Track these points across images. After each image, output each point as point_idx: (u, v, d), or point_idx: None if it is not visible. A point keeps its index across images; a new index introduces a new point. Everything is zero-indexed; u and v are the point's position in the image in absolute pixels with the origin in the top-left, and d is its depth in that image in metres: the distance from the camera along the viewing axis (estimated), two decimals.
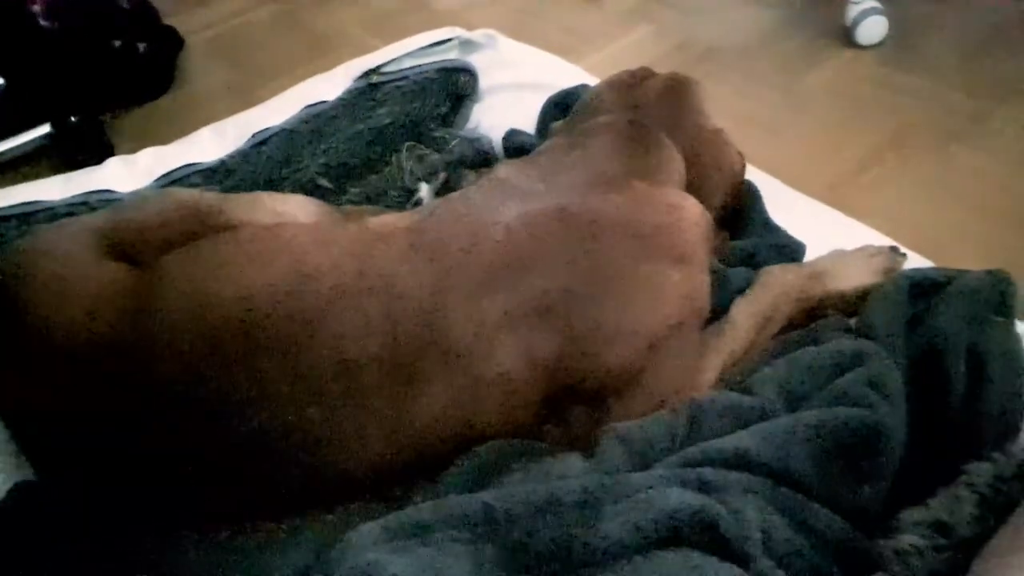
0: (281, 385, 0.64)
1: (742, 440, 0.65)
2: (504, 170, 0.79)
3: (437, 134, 1.21)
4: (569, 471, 0.63)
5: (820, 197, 1.23)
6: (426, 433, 0.66)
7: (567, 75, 1.24)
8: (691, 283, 0.74)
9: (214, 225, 0.74)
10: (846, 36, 1.64)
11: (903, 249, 0.94)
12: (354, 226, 0.72)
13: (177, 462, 0.65)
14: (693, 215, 0.76)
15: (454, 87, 1.26)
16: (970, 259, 1.13)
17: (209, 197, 0.81)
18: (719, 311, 0.83)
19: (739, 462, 0.64)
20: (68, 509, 0.66)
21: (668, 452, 0.67)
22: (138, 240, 0.72)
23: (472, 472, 0.65)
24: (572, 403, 0.71)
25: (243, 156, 1.17)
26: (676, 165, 0.84)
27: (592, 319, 0.68)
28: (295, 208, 0.83)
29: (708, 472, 0.63)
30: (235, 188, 1.12)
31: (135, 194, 1.07)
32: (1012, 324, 0.78)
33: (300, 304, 0.64)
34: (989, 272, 0.83)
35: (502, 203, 0.71)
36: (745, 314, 0.81)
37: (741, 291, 0.84)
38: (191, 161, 1.17)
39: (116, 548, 0.63)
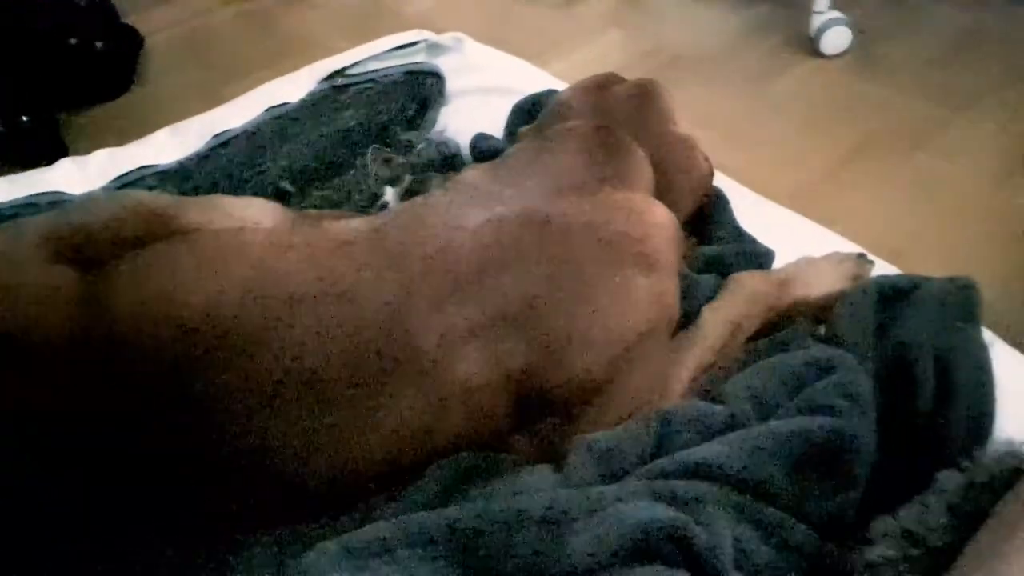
0: (236, 395, 0.61)
1: (713, 451, 0.64)
2: (471, 175, 0.77)
3: (403, 137, 1.19)
4: (537, 485, 0.62)
5: (786, 203, 1.24)
6: (389, 446, 0.64)
7: (535, 80, 1.23)
8: (660, 290, 0.72)
9: (168, 229, 0.72)
10: (811, 45, 1.65)
11: (870, 256, 0.94)
12: (314, 231, 0.70)
13: (128, 474, 0.62)
14: (662, 221, 0.75)
15: (421, 90, 1.24)
16: (935, 264, 1.14)
17: (163, 200, 0.78)
18: (688, 318, 0.82)
19: (710, 473, 0.63)
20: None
21: (639, 463, 0.66)
22: (87, 244, 0.69)
23: (437, 487, 0.63)
24: (541, 413, 0.69)
25: (202, 158, 1.14)
26: (644, 171, 0.83)
27: (560, 327, 0.66)
28: (254, 212, 0.80)
29: (679, 484, 0.61)
30: (193, 191, 1.09)
31: (86, 196, 1.04)
32: (978, 331, 0.78)
33: (255, 312, 0.62)
34: (953, 279, 0.84)
35: (468, 208, 0.69)
36: (714, 321, 0.80)
37: (710, 298, 0.84)
38: (147, 163, 1.14)
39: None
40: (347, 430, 0.62)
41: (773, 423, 0.66)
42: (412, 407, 0.64)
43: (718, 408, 0.69)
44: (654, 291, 0.71)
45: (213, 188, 1.10)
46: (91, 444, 0.61)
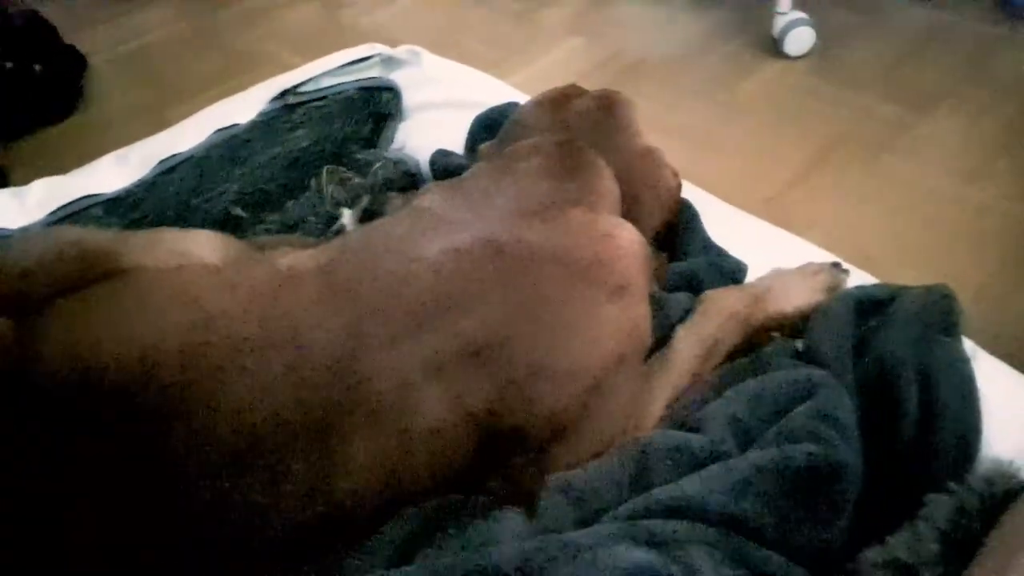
0: (177, 450, 0.57)
1: (692, 486, 0.61)
2: (427, 199, 0.73)
3: (359, 156, 1.14)
4: (508, 532, 0.58)
5: (756, 211, 1.21)
6: (348, 496, 0.59)
7: (495, 92, 1.19)
8: (630, 315, 0.69)
9: (107, 269, 0.67)
10: (774, 47, 1.63)
11: (845, 264, 0.92)
12: (260, 267, 0.66)
13: (61, 541, 0.57)
14: (629, 242, 0.71)
15: (376, 106, 1.20)
16: (909, 269, 1.13)
17: (101, 237, 0.73)
18: (661, 339, 0.79)
19: (690, 511, 0.59)
20: None
21: (615, 501, 0.62)
22: (17, 287, 0.64)
23: (401, 539, 0.58)
24: (511, 451, 0.65)
25: (149, 185, 1.08)
26: (610, 188, 0.80)
27: (527, 361, 0.62)
28: (199, 246, 0.75)
29: (658, 524, 0.58)
30: (140, 220, 1.04)
31: (22, 232, 0.98)
32: (959, 343, 0.76)
33: (195, 362, 0.57)
34: (931, 289, 0.81)
35: (424, 236, 0.65)
36: (688, 343, 0.76)
37: (683, 318, 0.80)
38: (91, 192, 1.08)
39: None
40: (302, 484, 0.58)
41: (753, 454, 0.63)
42: (371, 453, 0.60)
43: (696, 438, 0.65)
44: (624, 317, 0.68)
45: (160, 216, 1.05)
46: (13, 508, 0.56)
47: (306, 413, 0.58)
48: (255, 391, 0.58)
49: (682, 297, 0.83)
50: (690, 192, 1.03)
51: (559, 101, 0.92)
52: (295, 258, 0.67)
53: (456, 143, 1.14)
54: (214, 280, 0.64)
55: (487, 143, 0.95)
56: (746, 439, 0.67)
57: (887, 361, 0.72)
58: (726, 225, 1.00)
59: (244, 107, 1.19)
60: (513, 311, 0.62)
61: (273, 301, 0.61)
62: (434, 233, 0.65)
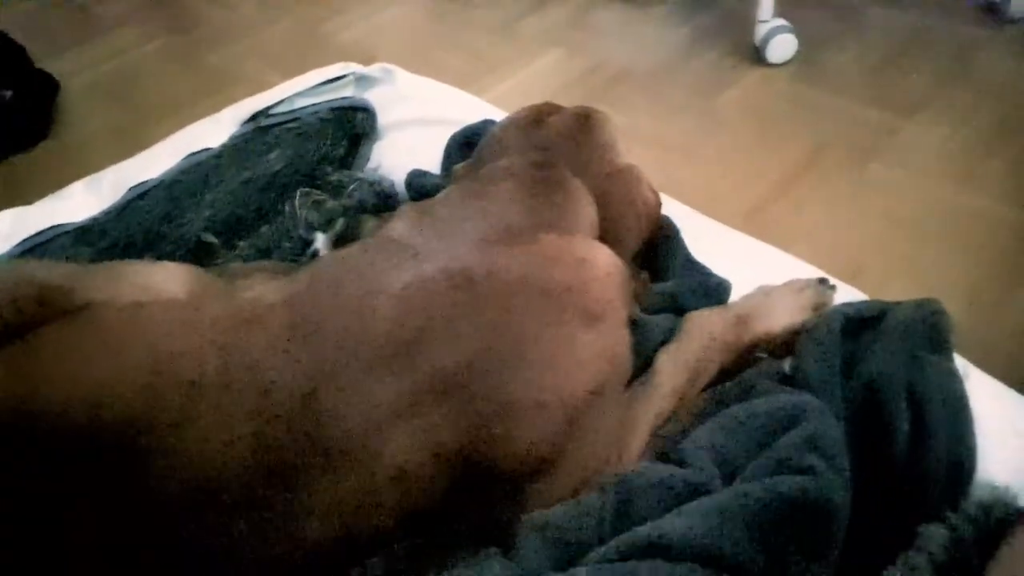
0: (132, 495, 0.54)
1: (676, 523, 0.58)
2: (395, 226, 0.70)
3: (334, 178, 1.12)
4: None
5: (741, 222, 1.19)
6: (315, 544, 0.57)
7: (471, 109, 1.16)
8: (608, 343, 0.66)
9: (64, 306, 0.64)
10: (756, 54, 1.61)
11: (832, 280, 0.89)
12: (223, 304, 0.63)
13: None
14: (605, 267, 0.69)
15: (350, 126, 1.17)
16: (899, 279, 1.11)
17: (60, 273, 0.70)
18: (644, 363, 0.76)
19: (673, 549, 0.57)
20: None
21: (596, 540, 0.60)
22: None
23: None
24: (486, 489, 0.62)
25: (118, 213, 1.05)
26: (586, 210, 0.77)
27: (500, 395, 0.60)
28: (163, 279, 0.72)
29: (640, 567, 0.55)
30: (109, 250, 1.01)
31: None
32: (950, 361, 0.74)
33: (152, 403, 0.55)
34: (921, 304, 0.79)
35: (390, 268, 0.62)
36: (671, 369, 0.74)
37: (666, 341, 0.78)
38: (60, 221, 1.05)
39: None
40: (266, 533, 0.55)
41: (739, 487, 0.60)
42: (337, 495, 0.57)
43: (679, 472, 0.63)
44: (601, 345, 0.65)
45: (130, 245, 1.02)
46: None
47: (269, 455, 0.56)
48: (215, 434, 0.55)
49: (664, 319, 0.80)
50: (672, 207, 1.01)
51: (534, 119, 0.89)
52: (259, 292, 0.65)
53: (432, 161, 1.12)
54: (174, 318, 0.62)
55: (461, 164, 0.93)
56: (731, 470, 0.64)
57: (876, 383, 0.70)
58: (709, 240, 0.98)
59: (217, 130, 1.16)
60: (484, 344, 0.59)
61: (235, 340, 0.59)
62: (400, 264, 0.62)
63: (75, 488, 0.55)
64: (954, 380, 0.70)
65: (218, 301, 0.64)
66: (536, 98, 1.54)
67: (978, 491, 0.64)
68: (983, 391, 0.72)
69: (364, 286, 0.61)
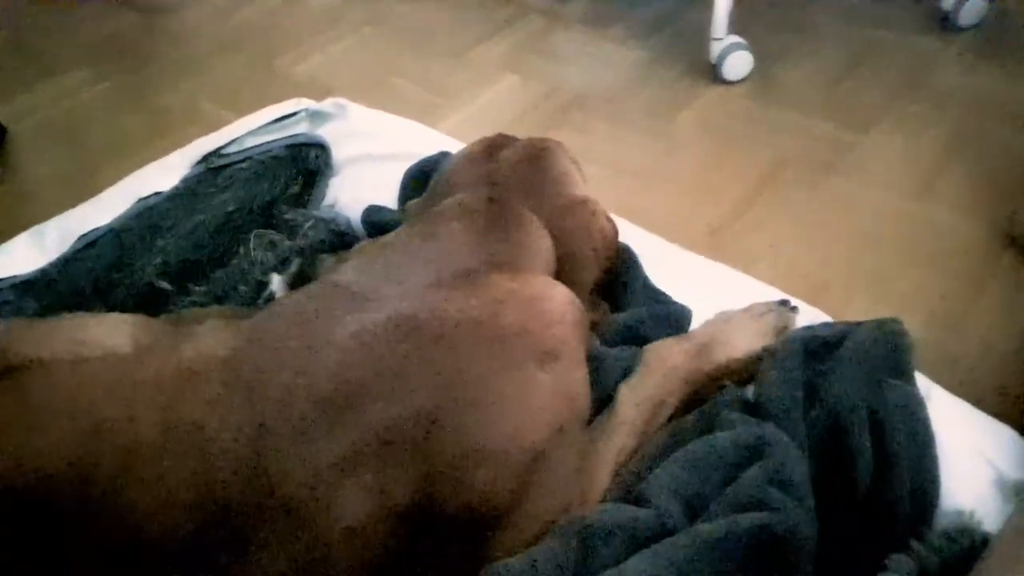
0: (71, 571, 0.52)
1: (639, 567, 0.57)
2: (345, 270, 0.68)
3: (289, 216, 1.10)
4: None
5: (702, 243, 1.19)
6: None
7: (425, 141, 1.15)
8: (565, 382, 0.65)
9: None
10: (713, 73, 1.62)
11: (793, 301, 0.89)
12: (165, 360, 0.61)
13: None
14: (560, 305, 0.67)
15: (304, 163, 1.16)
16: (863, 295, 1.10)
17: None
18: (605, 398, 0.75)
19: None
20: None
21: None
22: None
23: None
24: (445, 541, 0.60)
25: (65, 263, 1.03)
26: (541, 245, 0.76)
27: (453, 445, 0.58)
28: (106, 333, 0.70)
29: None
30: (56, 303, 0.99)
31: None
32: (911, 384, 0.73)
33: (88, 472, 0.53)
34: (880, 325, 0.78)
35: (336, 317, 0.61)
36: (632, 404, 0.73)
37: (626, 374, 0.77)
38: (4, 275, 1.02)
39: None
40: None
41: (702, 526, 0.59)
42: (288, 556, 0.55)
43: (641, 513, 0.61)
44: (557, 386, 0.64)
45: (78, 296, 1.00)
46: None
47: (214, 521, 0.54)
48: (155, 502, 0.53)
49: (624, 352, 0.79)
50: (631, 232, 1.00)
51: (487, 153, 0.88)
52: (203, 345, 0.62)
53: (389, 195, 1.10)
54: (113, 378, 0.60)
55: (414, 201, 0.92)
56: (695, 507, 0.63)
57: (838, 410, 0.69)
58: (669, 264, 0.97)
59: (167, 173, 1.14)
60: (434, 392, 0.58)
61: (175, 398, 0.57)
62: (346, 313, 0.61)
63: (8, 555, 0.53)
64: (916, 405, 0.69)
65: (160, 356, 0.62)
66: (494, 124, 1.54)
67: (944, 518, 0.63)
68: (945, 412, 0.72)
69: (308, 338, 0.59)
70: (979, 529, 0.60)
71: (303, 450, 0.55)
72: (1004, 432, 0.72)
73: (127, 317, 0.77)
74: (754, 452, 0.65)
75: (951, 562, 0.57)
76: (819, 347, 0.78)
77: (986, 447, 0.69)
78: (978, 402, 0.77)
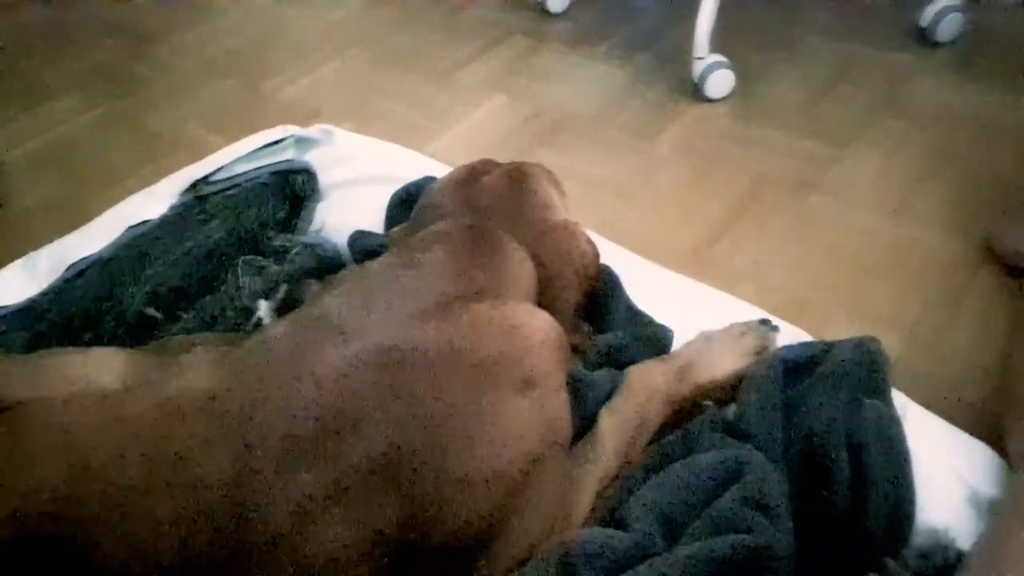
0: None
1: None
2: (328, 301, 0.69)
3: (276, 242, 1.11)
4: None
5: (684, 262, 1.21)
6: None
7: (411, 165, 1.17)
8: (546, 409, 0.66)
9: None
10: (696, 91, 1.64)
11: (774, 320, 0.90)
12: (149, 395, 0.62)
13: None
14: (540, 332, 0.69)
15: (291, 189, 1.17)
16: (842, 311, 1.12)
17: None
18: (587, 422, 0.76)
19: None
20: None
21: None
22: None
23: None
24: (430, 569, 0.61)
25: (56, 293, 1.04)
26: (523, 271, 0.77)
27: (435, 473, 0.59)
28: (95, 368, 0.71)
29: None
30: (47, 333, 1.00)
31: None
32: (888, 403, 0.74)
33: (71, 512, 0.54)
34: (858, 344, 0.80)
35: (316, 349, 0.62)
36: (613, 427, 0.74)
37: (609, 396, 0.78)
38: None
39: None
40: None
41: (682, 549, 0.60)
42: None
43: (622, 536, 0.62)
44: (538, 413, 0.65)
45: (68, 326, 1.01)
46: None
47: (197, 553, 0.54)
48: (139, 540, 0.54)
49: (606, 375, 0.80)
50: (613, 252, 1.01)
51: (468, 179, 0.90)
52: (187, 380, 0.63)
53: (376, 220, 1.12)
54: (100, 416, 0.60)
55: (398, 228, 0.93)
56: (674, 530, 0.64)
57: (816, 431, 0.70)
58: (651, 285, 0.98)
59: (155, 201, 1.15)
60: (415, 422, 0.59)
61: (161, 436, 0.58)
62: (327, 346, 0.62)
63: None
64: (892, 424, 0.71)
65: (146, 392, 0.63)
66: (481, 145, 1.56)
67: (918, 536, 0.64)
68: (921, 429, 0.73)
69: (289, 372, 0.60)
70: (953, 547, 0.61)
71: (286, 483, 0.56)
72: (979, 449, 0.74)
73: (113, 351, 0.78)
74: (733, 474, 0.66)
75: None
76: (798, 366, 0.80)
77: (961, 464, 0.71)
78: (955, 419, 0.78)
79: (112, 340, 1.01)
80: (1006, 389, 0.79)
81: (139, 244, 1.08)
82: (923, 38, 1.74)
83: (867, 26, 1.82)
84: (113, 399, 0.63)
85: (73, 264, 1.07)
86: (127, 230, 1.11)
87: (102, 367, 0.72)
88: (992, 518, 0.64)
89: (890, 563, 0.60)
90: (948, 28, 1.72)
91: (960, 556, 0.60)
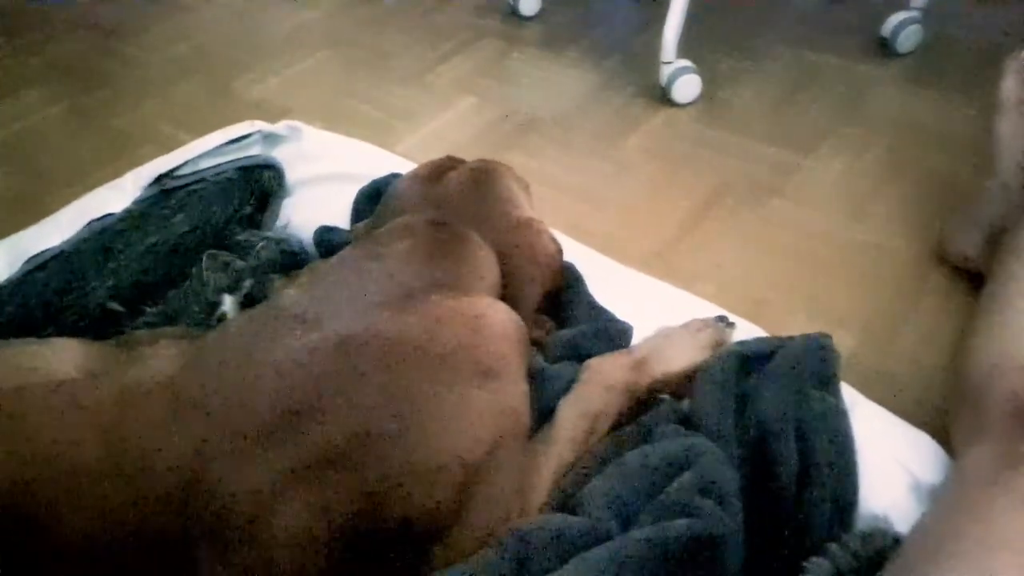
0: None
1: (571, 574, 0.59)
2: (290, 293, 0.70)
3: (241, 238, 1.11)
4: None
5: (648, 263, 1.23)
6: None
7: (378, 162, 1.18)
8: (503, 399, 0.67)
9: None
10: (663, 96, 1.67)
11: (731, 317, 0.93)
12: (108, 384, 0.62)
13: None
14: (499, 324, 0.70)
15: (258, 185, 1.17)
16: (799, 312, 1.14)
17: None
18: (547, 413, 0.77)
19: None
20: None
21: None
22: None
23: None
24: (388, 554, 0.62)
25: (15, 285, 1.03)
26: (486, 265, 0.79)
27: (391, 461, 0.60)
28: (53, 357, 0.71)
29: None
30: (6, 325, 0.99)
31: None
32: (836, 395, 0.77)
33: (27, 498, 0.54)
34: (810, 338, 0.82)
35: (280, 337, 0.62)
36: (572, 417, 0.75)
37: (568, 388, 0.79)
38: None
39: None
40: None
41: (633, 533, 0.61)
42: (232, 573, 0.56)
43: (576, 521, 0.64)
44: (497, 402, 0.66)
45: (27, 319, 1.00)
46: None
47: (158, 542, 0.55)
48: (98, 524, 0.54)
49: (566, 367, 0.82)
50: (577, 251, 1.03)
51: (433, 175, 0.91)
52: (147, 369, 0.64)
53: (342, 216, 1.12)
54: (57, 403, 0.61)
55: (361, 223, 0.94)
56: (627, 516, 0.65)
57: (766, 421, 0.72)
58: (614, 283, 1.00)
59: (120, 195, 1.15)
60: (372, 411, 0.60)
61: (118, 423, 0.58)
62: (287, 335, 0.63)
63: None
64: (839, 415, 0.73)
65: (105, 380, 0.63)
66: (450, 146, 1.57)
67: (861, 522, 0.66)
68: (868, 422, 0.76)
69: (250, 360, 0.61)
70: (891, 531, 0.63)
71: (245, 470, 0.56)
72: (923, 440, 0.76)
73: (73, 342, 0.78)
74: (685, 462, 0.68)
75: (865, 563, 0.61)
76: (752, 360, 0.82)
77: (905, 454, 0.73)
78: (903, 413, 0.81)
79: (74, 334, 1.00)
80: (953, 384, 0.82)
81: (102, 238, 1.08)
82: (884, 48, 1.78)
83: (830, 36, 1.86)
84: (70, 386, 0.63)
85: (33, 256, 1.06)
86: (89, 223, 1.11)
87: (61, 357, 0.72)
88: (931, 505, 0.66)
89: (832, 547, 0.62)
90: (908, 39, 1.77)
91: (897, 540, 0.62)
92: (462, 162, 0.95)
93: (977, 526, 0.56)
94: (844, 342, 0.83)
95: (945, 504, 0.63)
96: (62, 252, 1.06)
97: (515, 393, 0.69)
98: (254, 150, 1.22)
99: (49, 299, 1.02)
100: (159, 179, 1.15)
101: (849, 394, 0.80)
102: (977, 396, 0.72)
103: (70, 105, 1.79)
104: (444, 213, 0.84)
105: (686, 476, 0.66)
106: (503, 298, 0.80)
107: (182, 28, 2.15)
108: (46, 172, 1.57)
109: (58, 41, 2.10)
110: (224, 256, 1.08)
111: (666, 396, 0.83)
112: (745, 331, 0.91)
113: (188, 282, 1.06)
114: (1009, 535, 0.54)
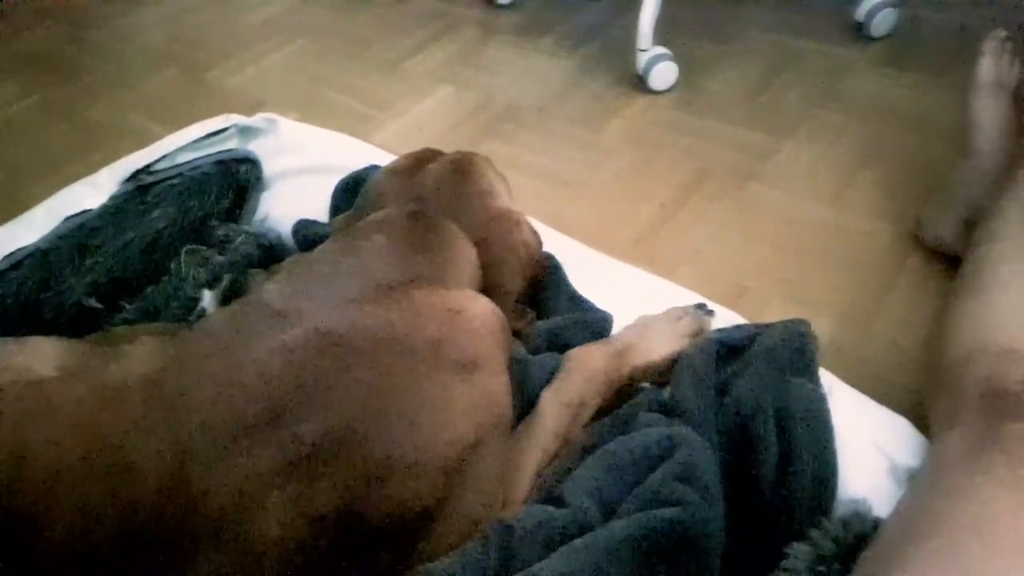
0: None
1: (554, 565, 0.59)
2: (267, 289, 0.70)
3: (220, 232, 1.10)
4: None
5: (627, 250, 1.23)
6: None
7: (356, 153, 1.17)
8: (485, 391, 0.67)
9: None
10: (640, 83, 1.67)
11: (710, 304, 0.93)
12: (87, 382, 0.61)
13: None
14: (479, 316, 0.70)
15: (235, 179, 1.16)
16: (779, 298, 1.16)
17: None
18: (528, 405, 0.78)
19: None
20: None
21: None
22: None
23: None
24: (371, 548, 0.62)
25: None
26: (465, 257, 0.79)
27: (374, 456, 0.60)
28: (29, 357, 0.70)
29: None
30: None
31: None
32: (815, 381, 0.78)
33: (6, 500, 0.53)
34: (787, 326, 0.83)
35: (259, 332, 0.62)
36: (554, 407, 0.76)
37: (550, 379, 0.80)
38: None
39: None
40: None
41: (615, 523, 0.62)
42: (217, 572, 0.56)
43: (559, 512, 0.64)
44: (478, 395, 0.66)
45: (4, 319, 0.99)
46: None
47: (138, 543, 0.55)
48: (79, 524, 0.54)
49: (548, 358, 0.82)
50: (557, 241, 1.03)
51: (413, 167, 0.91)
52: (127, 367, 0.63)
53: (321, 209, 1.12)
54: (34, 402, 0.60)
55: (340, 216, 0.94)
56: (610, 506, 0.66)
57: (746, 408, 0.73)
58: (593, 272, 1.00)
59: (95, 191, 1.13)
60: (352, 406, 0.60)
61: (97, 421, 0.58)
62: (267, 330, 0.62)
63: None
64: (817, 401, 0.74)
65: (83, 379, 0.63)
66: (428, 135, 1.57)
67: (841, 508, 0.67)
68: (846, 406, 0.77)
69: (229, 356, 0.60)
70: (870, 515, 0.64)
71: (226, 466, 0.56)
72: (900, 424, 0.77)
73: (50, 340, 0.77)
74: (666, 451, 0.68)
75: (845, 548, 0.62)
76: (731, 348, 0.82)
77: (883, 438, 0.74)
78: (881, 397, 0.82)
79: (52, 332, 0.99)
80: (929, 368, 0.83)
81: (79, 234, 1.07)
82: (859, 33, 1.79)
83: (806, 21, 1.87)
84: (47, 385, 0.63)
85: (9, 255, 1.05)
86: (65, 220, 1.09)
87: (37, 356, 0.71)
88: (908, 488, 0.67)
89: (812, 532, 0.63)
90: (882, 23, 1.78)
91: (876, 524, 0.63)
92: (441, 154, 0.95)
93: (954, 507, 0.57)
94: (820, 326, 0.84)
95: (922, 486, 0.64)
96: (38, 249, 1.04)
97: (497, 386, 0.69)
98: (231, 144, 1.21)
99: (26, 297, 1.01)
100: (135, 175, 1.13)
101: (827, 379, 0.81)
102: (953, 379, 0.73)
103: (41, 97, 1.77)
104: (423, 205, 0.84)
105: (668, 465, 0.66)
106: (483, 290, 0.80)
107: (154, 18, 2.12)
108: (18, 166, 1.55)
109: (28, 31, 2.06)
110: (203, 251, 1.07)
111: (647, 385, 0.83)
112: (724, 318, 0.92)
113: (167, 278, 1.05)
114: (984, 515, 0.55)
